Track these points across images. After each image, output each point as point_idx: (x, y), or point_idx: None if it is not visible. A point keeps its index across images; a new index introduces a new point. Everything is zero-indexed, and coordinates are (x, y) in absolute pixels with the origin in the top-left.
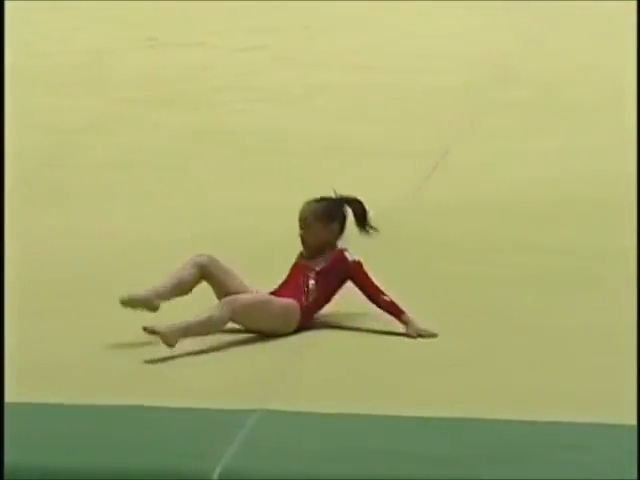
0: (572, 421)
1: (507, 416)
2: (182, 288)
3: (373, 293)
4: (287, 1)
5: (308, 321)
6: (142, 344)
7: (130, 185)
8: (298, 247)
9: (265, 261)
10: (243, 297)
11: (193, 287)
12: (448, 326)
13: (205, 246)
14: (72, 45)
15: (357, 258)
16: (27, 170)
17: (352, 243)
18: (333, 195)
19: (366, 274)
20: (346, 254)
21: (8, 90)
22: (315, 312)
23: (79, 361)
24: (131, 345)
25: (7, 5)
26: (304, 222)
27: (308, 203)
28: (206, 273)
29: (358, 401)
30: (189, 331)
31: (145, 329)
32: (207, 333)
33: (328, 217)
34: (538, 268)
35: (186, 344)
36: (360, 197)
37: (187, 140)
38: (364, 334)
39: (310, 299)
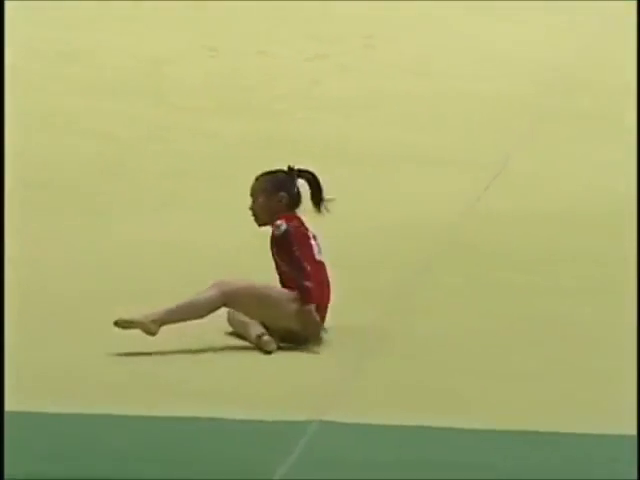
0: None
1: (565, 429)
2: (194, 312)
3: (294, 268)
4: (349, 10)
5: (323, 308)
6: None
7: (188, 194)
8: (354, 255)
9: None
10: (237, 281)
11: (209, 312)
12: (508, 337)
13: (261, 255)
14: (132, 53)
15: (283, 229)
16: (83, 178)
17: (407, 251)
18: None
19: (288, 248)
20: (273, 227)
21: (65, 98)
22: (316, 292)
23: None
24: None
25: (68, 13)
26: (252, 195)
27: (256, 177)
28: (229, 302)
29: (417, 413)
30: (171, 316)
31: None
32: (194, 317)
33: (273, 188)
34: (598, 279)
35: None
36: (421, 206)
37: (248, 149)
38: (423, 344)
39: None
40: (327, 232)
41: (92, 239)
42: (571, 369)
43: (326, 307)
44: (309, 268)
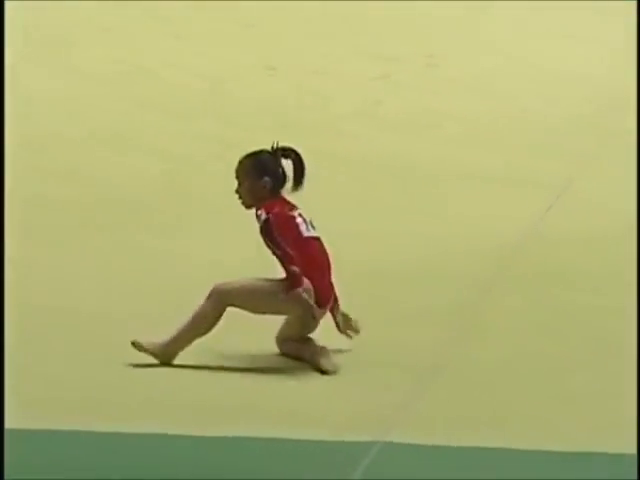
0: None
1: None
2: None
3: (280, 257)
4: (410, 29)
5: (325, 285)
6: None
7: (247, 212)
8: (414, 274)
9: (384, 289)
10: (232, 281)
11: (214, 324)
12: (570, 359)
13: None
14: (193, 72)
15: (263, 218)
16: (144, 196)
17: (468, 271)
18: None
19: (270, 236)
20: (255, 215)
21: (128, 116)
22: (310, 271)
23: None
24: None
25: (131, 32)
26: (237, 178)
27: (240, 160)
28: (230, 303)
29: (479, 433)
30: (182, 341)
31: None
32: (202, 332)
33: (257, 171)
34: None
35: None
36: (483, 227)
37: (310, 168)
38: (485, 365)
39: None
40: (386, 253)
41: (155, 257)
42: (636, 390)
43: (329, 283)
44: (292, 252)
